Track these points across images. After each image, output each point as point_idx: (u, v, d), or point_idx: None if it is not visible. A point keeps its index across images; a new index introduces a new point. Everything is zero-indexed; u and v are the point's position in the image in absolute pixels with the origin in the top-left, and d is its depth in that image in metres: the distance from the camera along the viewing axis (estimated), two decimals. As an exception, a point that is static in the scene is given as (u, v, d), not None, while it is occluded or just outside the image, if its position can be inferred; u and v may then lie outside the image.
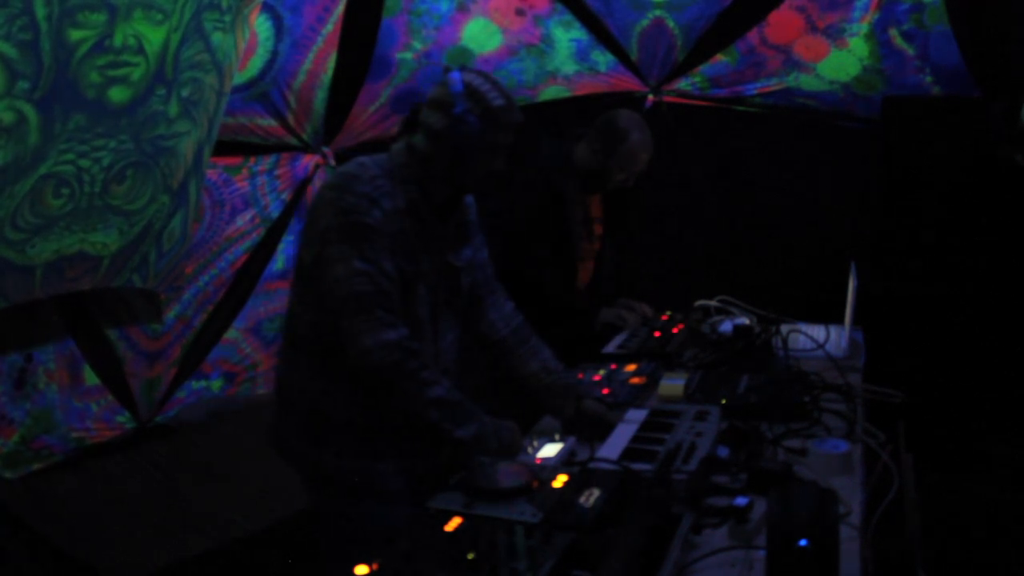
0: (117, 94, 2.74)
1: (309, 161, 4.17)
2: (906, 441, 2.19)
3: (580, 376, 2.59)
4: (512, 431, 2.11)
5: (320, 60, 3.89)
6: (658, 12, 4.25)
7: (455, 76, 2.04)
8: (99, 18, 2.54)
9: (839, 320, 3.05)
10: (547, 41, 4.34)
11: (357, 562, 1.46)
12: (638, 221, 3.44)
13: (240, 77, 3.64)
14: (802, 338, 2.78)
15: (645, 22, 4.30)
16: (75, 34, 2.51)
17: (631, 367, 2.71)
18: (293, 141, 4.06)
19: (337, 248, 1.97)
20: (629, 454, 1.97)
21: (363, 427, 2.11)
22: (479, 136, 2.02)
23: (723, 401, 2.31)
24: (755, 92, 4.43)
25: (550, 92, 4.54)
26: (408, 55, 4.14)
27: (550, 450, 2.13)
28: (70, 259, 3.00)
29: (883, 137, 4.03)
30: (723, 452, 1.99)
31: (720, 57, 4.36)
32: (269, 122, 3.93)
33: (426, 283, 2.11)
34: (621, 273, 3.45)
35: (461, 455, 1.99)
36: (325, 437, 2.13)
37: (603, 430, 2.17)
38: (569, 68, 4.46)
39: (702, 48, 4.36)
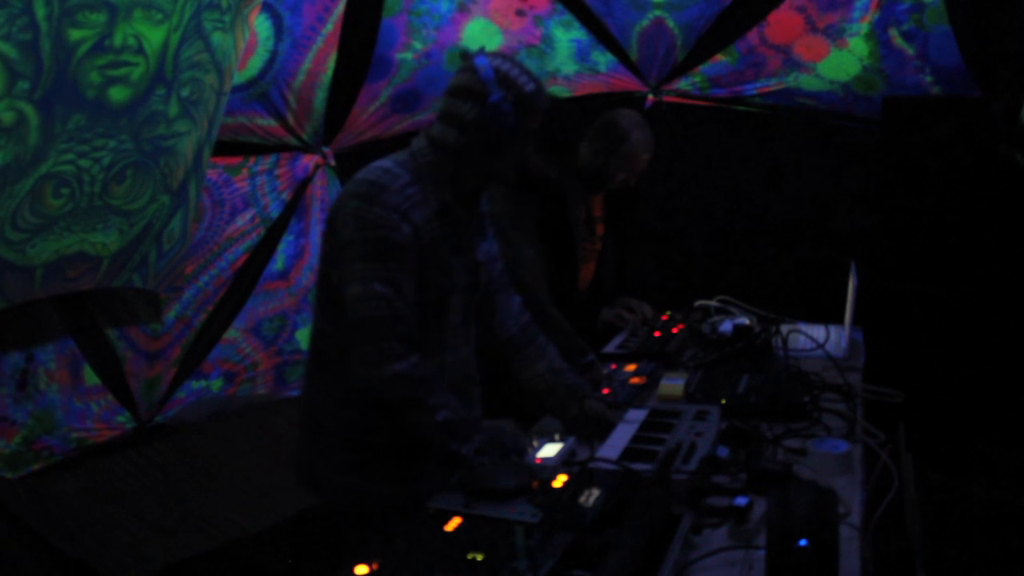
0: (117, 94, 2.74)
1: (309, 161, 4.17)
2: (906, 441, 2.19)
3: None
4: (509, 433, 2.07)
5: (320, 60, 3.89)
6: (658, 12, 4.25)
7: (483, 62, 1.93)
8: (99, 18, 2.54)
9: (839, 320, 3.05)
10: (547, 41, 4.34)
11: (357, 562, 1.46)
12: (636, 220, 3.44)
13: (240, 77, 3.64)
14: (802, 338, 2.78)
15: (645, 22, 4.30)
16: (75, 34, 2.51)
17: (631, 367, 2.71)
18: (293, 141, 4.06)
19: (358, 266, 1.88)
20: (629, 454, 1.97)
21: (405, 450, 2.03)
22: (515, 124, 1.92)
23: (723, 401, 2.31)
24: (755, 92, 4.43)
25: (550, 92, 4.54)
26: (408, 55, 4.14)
27: (550, 450, 2.13)
28: (70, 259, 3.00)
29: (883, 137, 4.03)
30: (723, 452, 1.99)
31: (720, 57, 4.36)
32: (269, 122, 3.93)
33: (459, 288, 2.05)
34: (622, 272, 3.45)
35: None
36: (367, 465, 2.04)
37: (603, 430, 2.17)
38: (569, 68, 4.46)
39: (702, 48, 4.36)
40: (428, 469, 2.04)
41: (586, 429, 2.22)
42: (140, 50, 2.72)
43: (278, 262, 4.19)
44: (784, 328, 2.77)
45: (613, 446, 2.04)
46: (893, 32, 3.97)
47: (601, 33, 4.34)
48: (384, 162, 1.97)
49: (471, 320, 2.14)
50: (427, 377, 1.93)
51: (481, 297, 2.19)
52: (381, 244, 1.87)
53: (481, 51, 1.98)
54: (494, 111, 1.91)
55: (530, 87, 1.96)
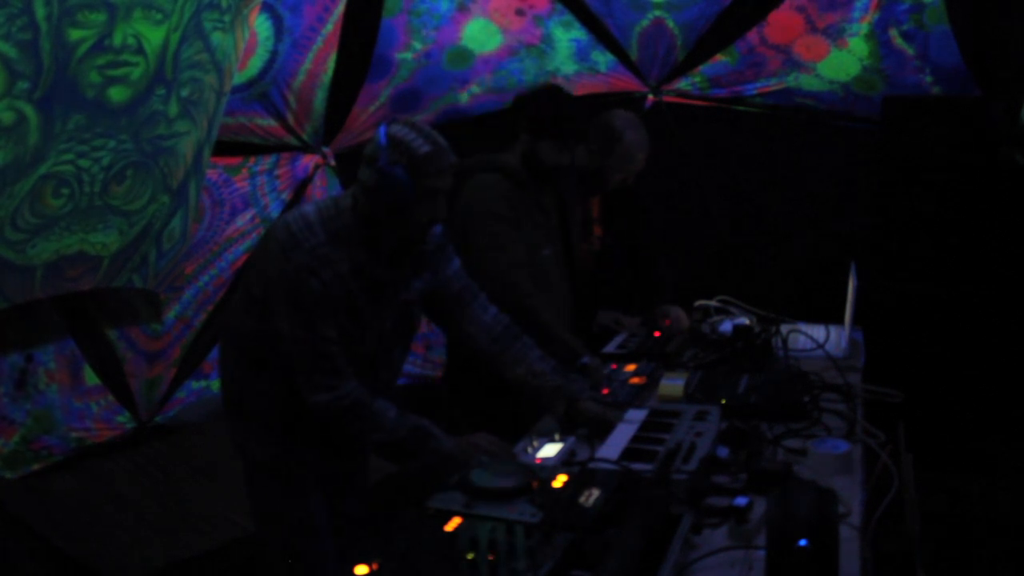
0: (117, 94, 2.74)
1: (309, 161, 4.17)
2: (906, 441, 2.19)
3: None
4: (470, 450, 2.08)
5: (320, 60, 3.89)
6: (658, 12, 4.25)
7: (381, 130, 2.04)
8: (99, 18, 2.54)
9: (839, 320, 3.05)
10: (547, 41, 4.34)
11: (358, 562, 1.46)
12: (641, 222, 3.41)
13: (240, 77, 3.64)
14: (802, 338, 2.78)
15: (645, 22, 4.29)
16: (75, 34, 2.51)
17: (631, 367, 2.71)
18: (293, 141, 4.06)
19: (281, 306, 2.04)
20: (629, 454, 1.97)
21: (278, 419, 2.19)
22: (410, 186, 2.00)
23: (723, 401, 2.31)
24: (755, 92, 4.43)
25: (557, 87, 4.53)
26: (408, 55, 4.14)
27: (550, 450, 2.13)
28: (70, 259, 3.00)
29: (883, 137, 4.03)
30: (723, 452, 1.99)
31: (720, 57, 4.36)
32: (269, 122, 3.93)
33: (376, 333, 2.16)
34: (646, 274, 3.41)
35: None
36: (248, 425, 2.24)
37: (601, 429, 2.17)
38: (569, 68, 4.46)
39: (702, 48, 4.35)
40: (301, 437, 2.21)
41: (582, 429, 2.23)
42: (140, 50, 2.72)
43: (278, 262, 4.19)
44: (784, 328, 2.77)
45: (613, 446, 2.04)
46: (893, 32, 3.96)
47: (601, 33, 4.33)
48: (311, 213, 2.08)
49: (380, 356, 2.23)
50: (349, 408, 2.06)
51: (438, 319, 2.33)
52: (295, 295, 2.02)
53: (391, 119, 2.08)
54: (386, 175, 2.00)
55: (424, 149, 2.01)
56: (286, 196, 4.12)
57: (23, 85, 2.44)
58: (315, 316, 2.03)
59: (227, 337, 2.32)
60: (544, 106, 2.70)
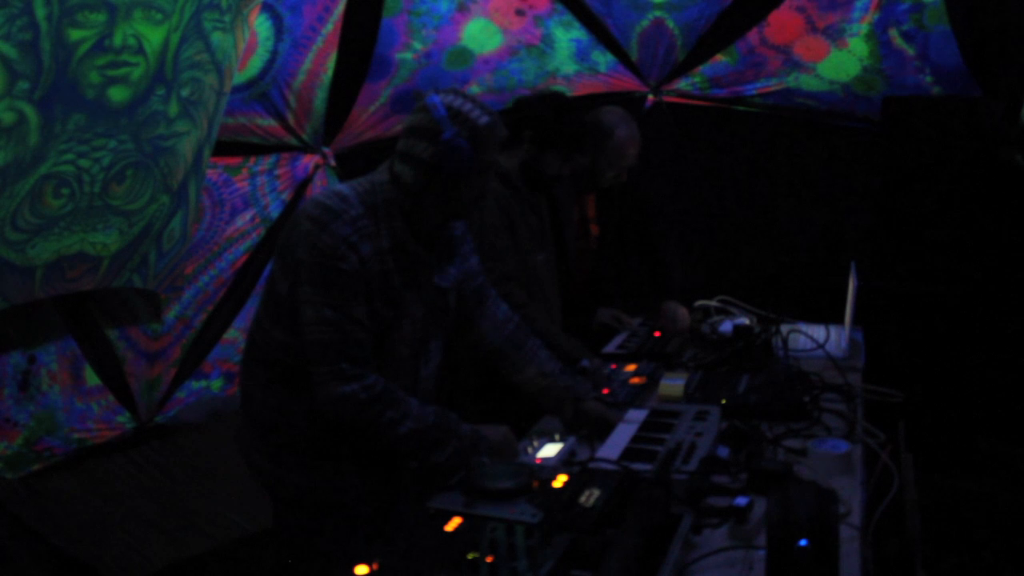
0: (117, 94, 2.74)
1: (309, 161, 4.17)
2: (906, 441, 2.19)
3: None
4: (494, 440, 2.06)
5: (320, 60, 3.89)
6: (658, 12, 4.25)
7: (435, 100, 1.93)
8: (99, 18, 2.54)
9: (839, 320, 3.05)
10: (547, 41, 4.34)
11: (357, 562, 1.46)
12: (646, 217, 3.40)
13: (240, 77, 3.64)
14: (802, 338, 2.78)
15: (645, 22, 4.30)
16: (75, 34, 2.51)
17: (631, 367, 2.71)
18: (293, 141, 4.06)
19: (309, 289, 1.90)
20: (629, 454, 1.97)
21: (321, 445, 2.05)
22: (472, 159, 1.92)
23: (723, 401, 2.31)
24: (755, 92, 4.43)
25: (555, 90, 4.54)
26: (408, 55, 4.14)
27: (550, 450, 2.13)
28: (70, 259, 3.00)
29: (883, 137, 4.03)
30: (723, 452, 1.99)
31: (720, 57, 4.36)
32: (269, 122, 3.93)
33: (411, 320, 2.05)
34: (648, 269, 3.40)
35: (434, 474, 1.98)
36: (283, 454, 2.07)
37: (603, 430, 2.17)
38: (569, 68, 4.46)
39: (702, 48, 4.35)
40: (343, 465, 2.06)
41: (584, 429, 2.23)
42: (140, 50, 2.72)
43: (278, 262, 4.18)
44: (784, 328, 2.77)
45: (613, 446, 2.04)
46: (893, 32, 3.97)
47: (601, 33, 4.34)
48: (344, 188, 1.98)
49: (421, 352, 2.12)
50: (379, 396, 1.93)
51: (457, 315, 2.21)
52: (329, 272, 1.89)
53: (435, 89, 1.99)
54: (449, 148, 1.91)
55: (483, 120, 1.95)
56: (286, 196, 4.12)
57: (23, 85, 2.44)
58: (348, 296, 1.89)
59: (252, 355, 2.12)
60: (548, 117, 2.67)
